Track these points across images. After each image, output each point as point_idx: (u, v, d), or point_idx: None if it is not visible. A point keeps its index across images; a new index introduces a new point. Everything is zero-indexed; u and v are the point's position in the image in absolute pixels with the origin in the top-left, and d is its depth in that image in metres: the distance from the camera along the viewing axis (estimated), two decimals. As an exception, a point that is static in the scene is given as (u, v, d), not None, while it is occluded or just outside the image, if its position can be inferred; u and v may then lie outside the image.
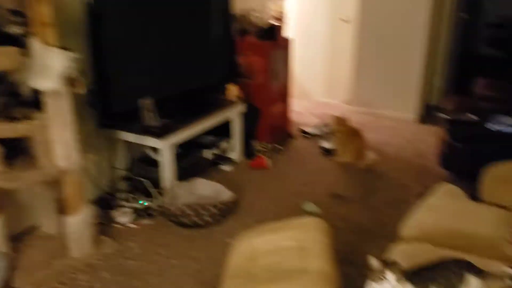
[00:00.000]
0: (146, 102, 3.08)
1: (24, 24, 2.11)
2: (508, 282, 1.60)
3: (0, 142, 2.20)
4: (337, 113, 4.17)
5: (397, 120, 4.90)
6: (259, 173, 3.69)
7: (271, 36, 3.96)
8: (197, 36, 3.56)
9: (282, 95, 4.32)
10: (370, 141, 4.10)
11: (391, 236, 2.18)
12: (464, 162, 3.17)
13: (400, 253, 1.77)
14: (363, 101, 5.12)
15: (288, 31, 4.44)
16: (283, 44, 4.13)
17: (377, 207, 3.17)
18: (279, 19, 4.11)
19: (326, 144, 4.11)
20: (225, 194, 3.13)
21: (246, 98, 3.87)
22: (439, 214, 2.12)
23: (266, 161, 3.81)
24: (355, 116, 4.84)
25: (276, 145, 4.11)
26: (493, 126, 3.12)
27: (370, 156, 3.81)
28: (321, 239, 2.10)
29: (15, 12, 2.13)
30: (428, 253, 1.70)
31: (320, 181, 3.57)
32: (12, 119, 2.15)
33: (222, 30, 3.77)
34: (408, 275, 1.50)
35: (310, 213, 3.02)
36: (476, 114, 3.31)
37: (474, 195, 2.41)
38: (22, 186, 2.42)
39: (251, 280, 1.90)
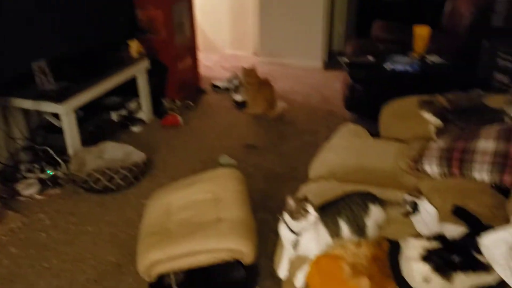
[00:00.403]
0: (39, 65, 2.86)
1: None
2: (406, 207, 1.75)
3: None
4: (246, 64, 4.16)
5: (304, 68, 5.01)
6: (171, 132, 3.63)
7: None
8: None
9: (189, 49, 4.21)
10: (279, 90, 4.17)
11: (303, 179, 2.26)
12: (365, 103, 3.34)
13: (308, 192, 1.84)
14: (270, 51, 5.15)
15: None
16: (184, -4, 3.99)
17: (288, 153, 3.26)
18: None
19: (238, 97, 4.12)
20: (136, 155, 3.05)
21: (150, 54, 3.73)
22: (343, 153, 2.23)
23: (178, 118, 3.74)
24: (263, 67, 4.87)
25: (187, 102, 4.05)
26: (389, 66, 3.29)
27: (280, 105, 3.88)
28: (235, 188, 2.14)
29: None
30: (334, 190, 1.80)
31: (233, 134, 3.59)
32: None
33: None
34: (316, 211, 1.57)
35: (226, 166, 3.05)
36: (374, 55, 3.47)
37: (375, 133, 2.56)
38: None
39: (167, 236, 1.89)
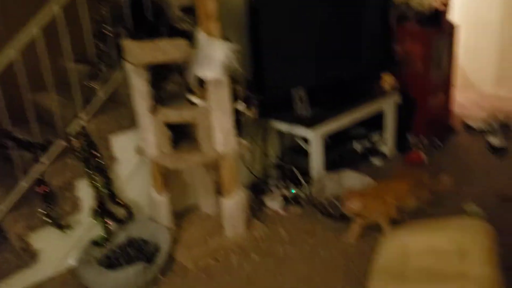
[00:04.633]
0: (298, 92, 3.12)
1: (193, 20, 2.29)
2: None
3: (168, 127, 2.44)
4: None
5: None
6: (413, 169, 3.47)
7: (434, 22, 3.67)
8: (352, 23, 3.47)
9: (443, 86, 3.97)
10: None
11: None
12: None
13: None
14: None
15: (454, 17, 4.07)
16: (447, 31, 3.80)
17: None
18: (444, 3, 3.78)
19: (494, 141, 3.68)
20: (375, 188, 3.01)
21: (402, 88, 3.66)
22: None
23: (422, 156, 3.56)
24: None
25: (434, 140, 3.82)
26: None
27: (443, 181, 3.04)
28: (485, 243, 1.90)
29: (186, 10, 2.32)
30: None
31: (484, 181, 3.21)
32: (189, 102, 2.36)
33: (379, 17, 3.62)
34: None
35: (472, 215, 2.74)
36: None
37: None
38: (185, 167, 2.63)
39: (402, 281, 1.79)
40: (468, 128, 4.11)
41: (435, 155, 3.65)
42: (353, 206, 2.58)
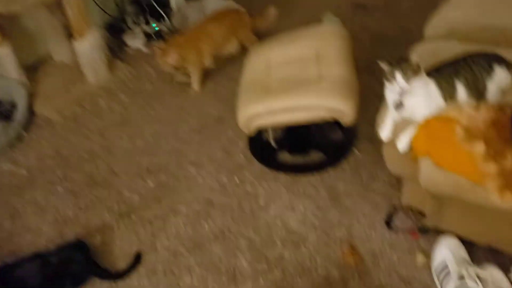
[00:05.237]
0: None
1: None
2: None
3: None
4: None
5: None
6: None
7: None
8: None
9: None
10: None
11: (417, 41, 2.03)
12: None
13: (424, 52, 1.65)
14: None
15: None
16: None
17: (403, 14, 2.94)
18: None
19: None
20: (236, 10, 2.93)
21: None
22: (468, 10, 1.92)
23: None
24: None
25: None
26: None
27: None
28: (340, 46, 2.00)
29: None
30: (454, 49, 1.58)
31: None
32: None
33: None
34: (430, 71, 1.42)
35: (329, 23, 2.85)
36: None
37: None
38: (22, 10, 2.28)
39: (267, 91, 1.86)
40: None
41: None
42: (170, 60, 2.36)
